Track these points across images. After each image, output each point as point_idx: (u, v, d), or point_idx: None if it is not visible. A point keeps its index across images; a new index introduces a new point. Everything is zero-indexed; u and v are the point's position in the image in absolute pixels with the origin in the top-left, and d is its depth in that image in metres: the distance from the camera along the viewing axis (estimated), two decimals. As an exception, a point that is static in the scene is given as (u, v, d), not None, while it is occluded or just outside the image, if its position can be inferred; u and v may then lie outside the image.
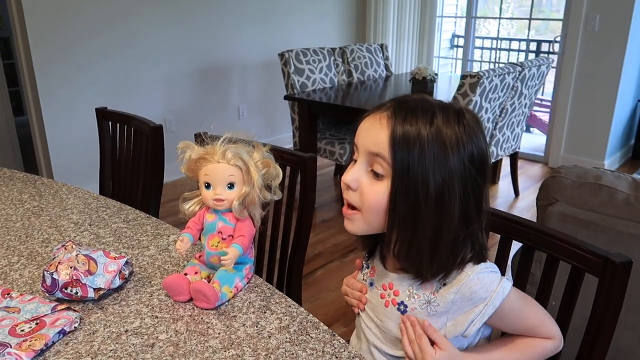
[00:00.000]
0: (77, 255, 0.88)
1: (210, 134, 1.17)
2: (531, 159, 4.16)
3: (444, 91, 3.39)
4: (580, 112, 3.75)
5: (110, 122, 1.75)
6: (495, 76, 2.56)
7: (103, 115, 1.76)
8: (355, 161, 0.79)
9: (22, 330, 0.78)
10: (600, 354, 0.82)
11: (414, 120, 0.72)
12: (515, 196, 3.44)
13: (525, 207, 3.27)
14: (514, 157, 3.39)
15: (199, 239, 0.94)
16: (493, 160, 3.08)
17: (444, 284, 0.78)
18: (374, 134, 0.75)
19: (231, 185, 0.90)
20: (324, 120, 3.48)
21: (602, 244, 1.35)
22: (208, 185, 0.90)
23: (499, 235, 0.95)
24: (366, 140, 0.76)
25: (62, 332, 0.79)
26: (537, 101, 4.45)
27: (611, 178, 1.43)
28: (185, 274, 0.91)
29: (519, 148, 3.36)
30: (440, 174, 0.72)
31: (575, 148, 3.84)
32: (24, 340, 0.75)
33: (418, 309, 0.79)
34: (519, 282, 0.93)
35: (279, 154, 1.30)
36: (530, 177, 3.81)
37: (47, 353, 0.75)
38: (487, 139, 2.94)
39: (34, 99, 2.99)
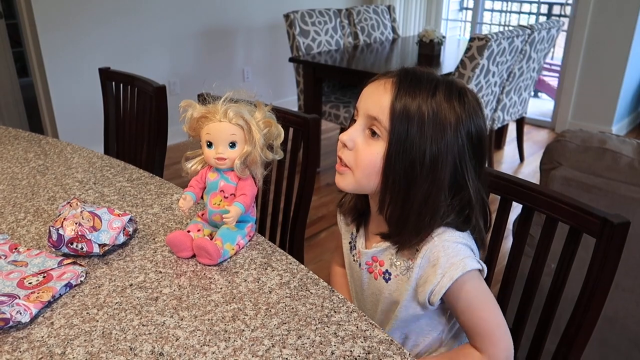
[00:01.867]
0: (81, 211, 0.89)
1: (213, 94, 1.17)
2: (538, 124, 4.13)
3: (452, 54, 3.34)
4: (589, 77, 3.69)
5: (113, 83, 1.75)
6: (504, 39, 2.52)
7: (106, 75, 1.75)
8: (355, 122, 0.79)
9: (30, 283, 0.80)
10: (594, 313, 0.84)
11: (417, 92, 0.73)
12: (521, 161, 3.43)
13: (530, 173, 3.26)
14: (521, 122, 3.36)
15: (202, 197, 0.95)
16: (499, 125, 3.06)
17: (417, 250, 0.79)
18: (376, 97, 0.76)
19: (233, 144, 0.90)
20: (329, 83, 3.44)
21: (604, 208, 1.35)
22: (210, 144, 0.90)
23: (499, 197, 0.96)
24: (367, 102, 0.77)
25: (69, 285, 0.81)
26: (546, 65, 4.37)
27: (616, 142, 1.42)
28: (188, 231, 0.92)
29: (525, 113, 3.33)
30: (437, 145, 0.73)
31: (583, 114, 3.80)
32: (32, 292, 0.77)
33: (400, 276, 0.82)
34: (519, 244, 0.94)
35: (282, 115, 1.29)
36: (537, 142, 3.79)
37: (54, 305, 0.78)
38: (494, 103, 2.92)
39: (37, 61, 2.97)
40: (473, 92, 0.77)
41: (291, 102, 4.22)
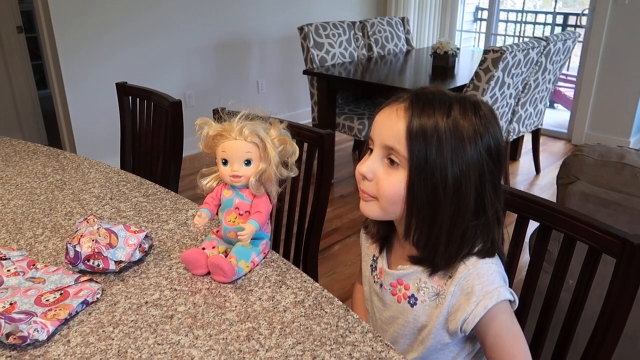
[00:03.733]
0: (98, 228, 0.90)
1: (228, 110, 1.18)
2: (554, 135, 4.09)
3: (466, 66, 3.33)
4: (606, 88, 3.65)
5: (130, 97, 1.77)
6: (519, 51, 2.51)
7: (123, 90, 1.78)
8: (371, 151, 0.79)
9: (47, 300, 0.81)
10: (614, 334, 0.82)
11: (431, 112, 0.72)
12: (537, 173, 3.39)
13: (546, 185, 3.23)
14: (536, 134, 3.34)
15: (217, 214, 0.96)
16: (514, 137, 3.04)
17: (450, 277, 0.78)
18: (390, 126, 0.74)
19: (248, 162, 0.90)
20: (343, 95, 3.45)
21: (624, 224, 1.33)
22: (225, 162, 0.91)
23: (516, 215, 0.95)
24: (382, 132, 0.76)
25: (85, 303, 0.82)
26: (562, 76, 4.34)
27: (635, 157, 1.40)
28: (203, 249, 0.93)
29: (541, 124, 3.30)
30: (458, 165, 0.72)
31: (599, 125, 3.75)
32: (49, 310, 0.78)
33: (427, 301, 0.80)
34: (536, 261, 0.92)
35: (296, 130, 1.30)
36: (552, 154, 3.75)
37: (71, 322, 0.78)
38: (509, 114, 2.90)
39: (56, 73, 3.03)
40: (487, 104, 0.77)
41: (305, 114, 4.24)
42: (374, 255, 0.90)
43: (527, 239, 1.12)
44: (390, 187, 0.75)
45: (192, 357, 0.71)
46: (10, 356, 0.72)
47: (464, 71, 3.16)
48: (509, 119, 2.92)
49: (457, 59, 3.28)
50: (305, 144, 1.31)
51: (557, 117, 4.41)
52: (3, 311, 0.76)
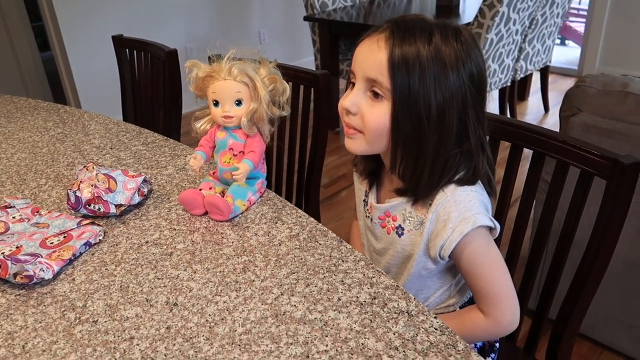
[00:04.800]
0: (97, 174, 0.92)
1: (224, 54, 1.17)
2: (564, 72, 4.00)
3: (471, 3, 3.22)
4: (618, 21, 3.53)
5: (127, 50, 1.76)
6: (524, -16, 2.42)
7: (120, 42, 1.77)
8: (353, 85, 0.78)
9: (52, 243, 0.84)
10: (605, 256, 0.83)
11: (413, 40, 0.71)
12: (545, 112, 3.35)
13: (555, 123, 3.17)
14: (545, 72, 3.26)
15: (212, 156, 0.97)
16: (522, 75, 2.98)
17: (430, 204, 0.79)
18: (372, 57, 0.73)
19: (239, 102, 0.91)
20: (346, 40, 3.38)
21: (626, 153, 1.32)
22: (216, 103, 0.91)
23: (510, 144, 0.95)
24: (364, 65, 0.75)
25: (88, 244, 0.85)
26: (572, 10, 4.20)
27: (639, 85, 1.38)
28: (200, 189, 0.95)
29: (550, 62, 3.22)
30: (441, 93, 0.71)
31: (611, 60, 3.65)
32: (53, 252, 0.81)
33: (413, 230, 0.82)
34: (530, 189, 0.93)
35: (291, 72, 1.29)
36: (562, 92, 3.65)
37: (75, 262, 0.82)
38: (516, 52, 2.83)
39: (56, 33, 3.01)
40: (467, 29, 0.75)
41: (309, 62, 4.17)
42: (365, 191, 0.92)
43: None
44: (375, 120, 0.75)
45: (190, 289, 0.74)
46: (19, 294, 0.75)
47: (470, 8, 3.07)
48: (516, 56, 2.86)
49: (462, -3, 3.18)
50: (302, 86, 1.30)
51: (567, 54, 4.29)
52: (10, 254, 0.80)
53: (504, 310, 0.79)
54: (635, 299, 1.42)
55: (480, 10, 2.46)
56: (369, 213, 0.90)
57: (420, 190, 0.78)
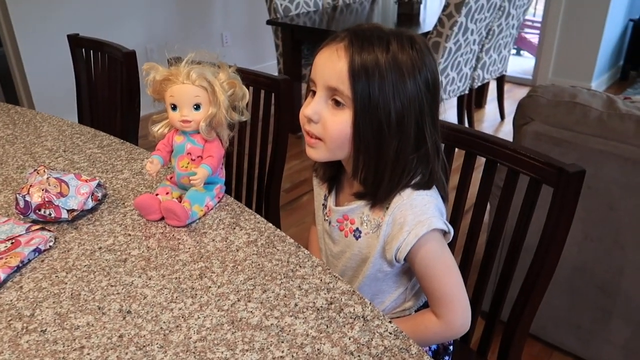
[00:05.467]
0: (48, 178, 0.90)
1: (184, 57, 1.16)
2: (519, 82, 4.13)
3: (432, 13, 3.30)
4: (569, 33, 3.68)
5: (83, 50, 1.72)
6: (482, -5, 2.49)
7: (76, 42, 1.72)
8: (313, 93, 0.79)
9: (-2, 249, 0.81)
10: (552, 261, 0.86)
11: (371, 49, 0.72)
12: (502, 119, 3.45)
13: (511, 130, 3.26)
14: (501, 80, 3.37)
15: (170, 160, 0.96)
16: (479, 84, 3.06)
17: (387, 208, 0.80)
18: (332, 67, 0.74)
19: (197, 107, 0.90)
20: (309, 45, 3.40)
21: (573, 161, 1.38)
22: (174, 107, 0.90)
23: (464, 152, 0.97)
24: (324, 74, 0.76)
25: (38, 251, 0.82)
26: (527, 22, 4.35)
27: (586, 96, 1.44)
28: (157, 194, 0.93)
29: (505, 71, 3.33)
30: (400, 100, 0.73)
31: (563, 70, 3.80)
32: None
33: (370, 233, 0.83)
34: (483, 195, 0.96)
35: (252, 77, 1.29)
36: (517, 100, 3.73)
37: (23, 270, 0.79)
38: (473, 61, 2.91)
39: (8, 30, 2.90)
40: (421, 37, 0.77)
41: (272, 66, 4.17)
42: (325, 195, 0.92)
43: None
44: (337, 128, 0.76)
45: (145, 296, 0.73)
46: (-38, 303, 0.72)
47: (430, 17, 3.13)
48: (473, 65, 2.94)
49: (422, 6, 3.25)
50: (262, 91, 1.30)
51: (523, 64, 4.44)
52: (-47, 261, 0.76)
53: (456, 312, 0.81)
54: (583, 301, 1.48)
55: (440, 20, 2.51)
56: (328, 216, 0.91)
57: (379, 194, 0.79)
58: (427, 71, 0.75)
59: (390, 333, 0.65)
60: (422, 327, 0.83)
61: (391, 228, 0.80)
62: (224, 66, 0.94)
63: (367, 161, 0.77)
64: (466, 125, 3.17)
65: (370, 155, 0.76)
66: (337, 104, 0.75)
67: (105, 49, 1.62)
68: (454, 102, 3.17)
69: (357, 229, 0.84)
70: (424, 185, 0.80)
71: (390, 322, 0.67)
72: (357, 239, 0.85)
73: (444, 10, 2.49)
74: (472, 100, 3.18)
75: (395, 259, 0.80)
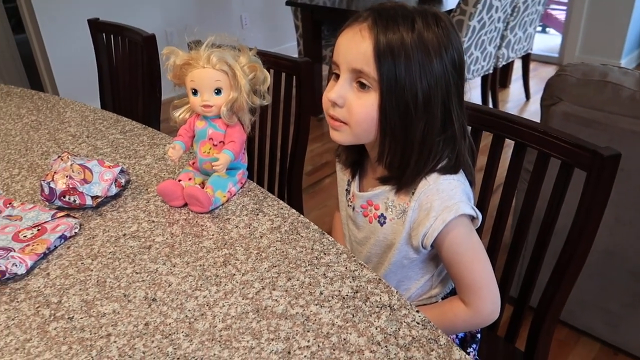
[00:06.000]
0: (72, 164, 0.90)
1: (204, 40, 1.14)
2: (545, 60, 4.02)
3: (454, -10, 3.21)
4: (598, 9, 3.55)
5: (104, 34, 1.71)
6: (507, -29, 2.41)
7: (96, 27, 1.72)
8: (336, 76, 0.76)
9: (25, 236, 0.81)
10: (585, 247, 0.84)
11: (396, 28, 0.70)
12: (527, 99, 3.37)
13: (536, 111, 3.19)
14: (526, 59, 3.28)
15: (192, 145, 0.95)
16: (504, 63, 2.98)
17: (412, 193, 0.78)
18: (356, 48, 0.72)
19: (218, 91, 0.89)
20: (329, 26, 3.35)
21: (604, 143, 1.33)
22: (195, 92, 0.89)
23: (492, 134, 0.94)
24: (348, 56, 0.73)
25: (63, 237, 0.82)
26: (554, -2, 4.21)
27: (618, 75, 1.38)
28: (179, 180, 0.93)
29: (531, 49, 3.23)
30: (427, 79, 0.71)
31: (591, 47, 3.68)
32: (26, 245, 0.79)
33: (395, 219, 0.81)
34: (512, 179, 0.93)
35: (273, 59, 1.27)
36: (543, 79, 3.68)
37: (50, 256, 0.79)
38: (498, 40, 2.83)
39: (29, 15, 2.92)
40: (446, 14, 0.75)
41: (292, 48, 4.14)
42: (348, 180, 0.91)
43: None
44: (363, 111, 0.74)
45: (169, 283, 0.73)
46: (-9, 290, 0.73)
47: (452, -4, 3.06)
48: (498, 44, 2.86)
49: (445, -17, 3.16)
50: (283, 74, 1.28)
51: (548, 42, 4.32)
52: (-19, 248, 0.77)
53: (485, 300, 0.79)
54: (613, 286, 1.44)
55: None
56: (351, 202, 0.89)
57: (405, 179, 0.77)
58: (453, 50, 0.72)
59: (418, 323, 0.64)
60: (450, 314, 0.82)
61: (417, 214, 0.78)
62: (245, 49, 0.92)
63: (393, 145, 0.75)
64: (490, 105, 3.11)
65: (396, 139, 0.74)
66: (362, 86, 0.73)
67: (126, 34, 1.61)
68: (477, 82, 3.10)
69: (382, 214, 0.83)
70: (450, 170, 0.78)
71: (417, 311, 0.66)
72: (381, 225, 0.83)
73: (468, -13, 2.42)
74: (496, 80, 3.11)
75: (422, 245, 0.79)
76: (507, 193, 0.94)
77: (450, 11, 2.57)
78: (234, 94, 0.88)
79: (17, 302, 0.71)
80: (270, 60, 1.26)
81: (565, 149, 0.82)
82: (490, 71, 2.94)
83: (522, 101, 3.37)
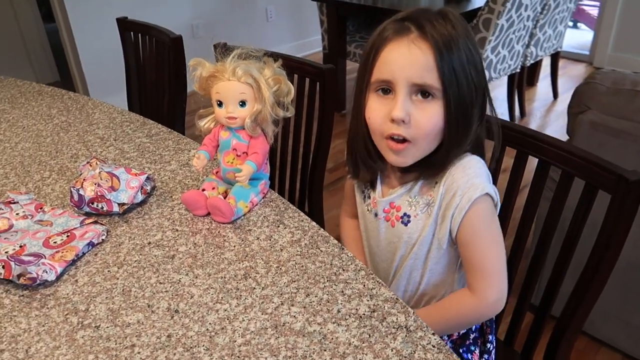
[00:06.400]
0: (100, 172, 0.92)
1: (231, 44, 1.15)
2: (575, 58, 3.92)
3: (483, -14, 3.15)
4: (632, 6, 3.44)
5: (132, 33, 1.74)
6: (538, -31, 2.36)
7: (124, 25, 1.75)
8: (384, 90, 0.77)
9: (55, 242, 0.84)
10: (609, 264, 0.83)
11: (442, 29, 0.73)
12: (554, 98, 3.30)
13: (563, 111, 3.13)
14: (555, 57, 3.21)
15: (216, 154, 0.97)
16: (532, 62, 2.93)
17: (436, 182, 0.80)
18: (415, 61, 0.73)
19: (243, 103, 0.90)
20: (354, 22, 3.33)
21: (633, 154, 1.31)
22: (220, 104, 0.91)
23: (515, 150, 0.94)
24: (407, 71, 0.74)
25: (91, 244, 0.85)
26: (587, -7, 4.10)
27: (650, 83, 1.35)
28: (203, 190, 0.94)
29: (561, 47, 3.17)
30: (478, 79, 0.75)
31: (624, 45, 3.58)
32: (56, 252, 0.82)
33: (420, 214, 0.82)
34: (534, 197, 0.92)
35: (297, 65, 1.28)
36: (572, 77, 3.62)
37: (78, 263, 0.82)
38: (527, 38, 2.78)
39: (59, 4, 2.97)
40: (452, 10, 0.78)
41: (316, 42, 4.13)
42: (366, 185, 0.92)
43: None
44: (431, 122, 0.75)
45: (192, 295, 0.75)
46: (23, 295, 0.76)
47: (481, -8, 3.00)
48: (526, 42, 2.80)
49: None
50: (307, 79, 1.29)
51: (579, 38, 4.21)
52: (13, 254, 0.80)
53: (493, 287, 0.79)
54: (636, 297, 1.42)
55: (491, -4, 2.40)
56: (372, 207, 0.90)
57: (435, 168, 0.80)
58: (474, 41, 0.77)
59: (434, 346, 0.65)
60: (454, 307, 0.83)
61: (444, 197, 0.79)
62: (269, 62, 0.93)
63: (449, 146, 0.77)
64: (516, 105, 3.05)
65: (453, 140, 0.76)
66: (425, 95, 0.74)
67: (153, 33, 1.64)
68: (504, 80, 3.05)
69: (405, 214, 0.84)
70: (474, 150, 0.81)
71: (433, 334, 0.67)
72: (405, 225, 0.84)
73: (496, -15, 2.37)
74: (523, 79, 3.05)
75: (450, 229, 0.79)
76: (529, 209, 0.93)
77: (478, 9, 2.53)
78: (258, 106, 0.90)
79: (47, 308, 0.74)
80: (294, 65, 1.27)
81: (590, 170, 0.82)
82: (518, 70, 2.89)
83: (549, 100, 3.30)
